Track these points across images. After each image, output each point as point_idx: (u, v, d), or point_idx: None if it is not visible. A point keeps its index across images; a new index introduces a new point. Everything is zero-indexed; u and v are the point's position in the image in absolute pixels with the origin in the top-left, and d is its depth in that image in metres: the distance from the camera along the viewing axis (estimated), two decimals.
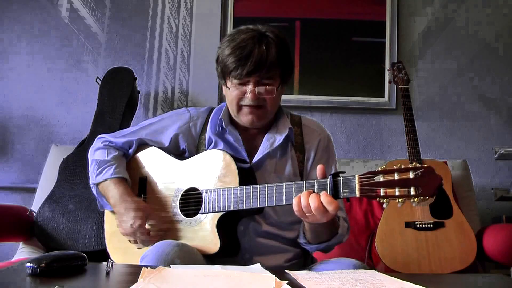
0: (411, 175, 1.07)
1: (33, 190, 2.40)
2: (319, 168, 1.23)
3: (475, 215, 2.28)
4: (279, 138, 1.45)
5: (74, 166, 2.25)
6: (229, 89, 1.41)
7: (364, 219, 2.25)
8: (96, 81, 2.54)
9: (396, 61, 2.52)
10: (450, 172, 2.20)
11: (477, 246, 1.96)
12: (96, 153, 1.51)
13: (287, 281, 0.95)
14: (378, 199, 1.10)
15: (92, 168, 1.49)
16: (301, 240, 1.41)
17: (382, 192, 1.09)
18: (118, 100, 2.44)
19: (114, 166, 1.46)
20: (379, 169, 1.12)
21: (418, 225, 2.00)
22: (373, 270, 1.13)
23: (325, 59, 2.75)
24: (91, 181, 1.50)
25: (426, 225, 2.00)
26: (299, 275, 1.04)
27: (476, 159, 2.69)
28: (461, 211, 2.06)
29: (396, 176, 1.08)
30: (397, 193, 1.08)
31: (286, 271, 1.09)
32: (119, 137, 1.54)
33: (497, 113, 2.74)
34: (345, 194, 1.16)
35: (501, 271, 2.14)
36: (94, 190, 1.51)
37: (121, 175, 1.46)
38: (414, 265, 1.92)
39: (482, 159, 2.70)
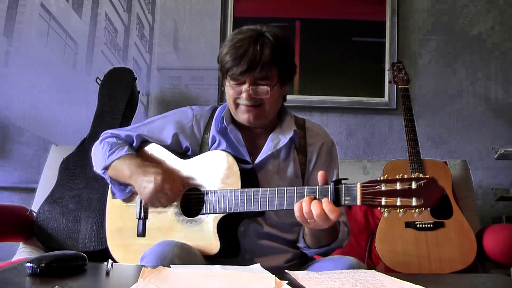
0: (414, 185, 1.06)
1: (33, 190, 2.40)
2: (320, 174, 1.22)
3: (475, 215, 2.28)
4: (283, 139, 1.44)
5: (74, 166, 2.25)
6: (223, 88, 1.43)
7: (364, 219, 2.25)
8: (96, 81, 2.54)
9: (396, 61, 2.52)
10: (450, 172, 2.20)
11: (477, 246, 1.96)
12: (104, 141, 1.51)
13: (287, 281, 0.95)
14: (379, 208, 1.10)
15: (103, 151, 1.48)
16: (301, 244, 1.41)
17: (383, 201, 1.09)
18: (118, 100, 2.44)
19: (126, 147, 1.47)
20: (382, 177, 1.11)
21: (418, 225, 2.00)
22: (373, 270, 1.13)
23: (325, 59, 2.75)
24: (102, 164, 1.47)
25: (426, 225, 2.00)
26: (299, 275, 1.04)
27: (476, 159, 2.69)
28: (461, 211, 2.06)
29: (398, 186, 1.08)
30: (398, 203, 1.07)
31: (286, 271, 1.09)
32: (122, 131, 1.55)
33: (497, 113, 2.74)
34: (346, 202, 1.16)
35: (501, 271, 2.14)
36: (105, 176, 1.49)
37: (134, 153, 1.46)
38: (414, 265, 1.92)
39: (482, 159, 2.70)
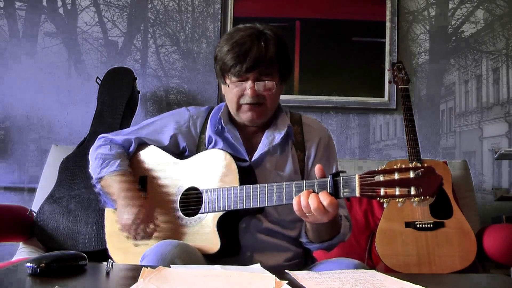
0: (412, 174, 1.06)
1: (33, 190, 2.41)
2: (317, 168, 1.22)
3: (475, 215, 2.28)
4: (278, 136, 1.45)
5: (74, 166, 2.25)
6: (228, 86, 1.42)
7: (364, 219, 2.25)
8: (96, 81, 2.54)
9: (396, 61, 2.52)
10: (450, 172, 2.20)
11: (477, 246, 1.97)
12: (99, 150, 1.52)
13: (287, 281, 0.95)
14: (378, 198, 1.10)
15: (96, 163, 1.49)
16: (303, 239, 1.41)
17: (382, 191, 1.09)
18: (118, 100, 2.44)
19: (118, 161, 1.47)
20: (379, 168, 1.11)
21: (418, 225, 2.00)
22: (373, 270, 1.13)
23: (325, 59, 2.75)
24: (94, 176, 1.49)
25: (426, 225, 2.00)
26: (299, 275, 1.04)
27: (476, 159, 2.70)
28: (461, 211, 2.06)
29: (396, 176, 1.08)
30: (397, 193, 1.07)
31: (286, 271, 1.08)
32: (119, 136, 1.54)
33: (497, 113, 2.74)
34: (345, 194, 1.16)
35: (501, 271, 2.15)
36: (97, 186, 1.50)
37: (125, 169, 1.46)
38: (414, 265, 1.92)
39: (482, 159, 2.71)
